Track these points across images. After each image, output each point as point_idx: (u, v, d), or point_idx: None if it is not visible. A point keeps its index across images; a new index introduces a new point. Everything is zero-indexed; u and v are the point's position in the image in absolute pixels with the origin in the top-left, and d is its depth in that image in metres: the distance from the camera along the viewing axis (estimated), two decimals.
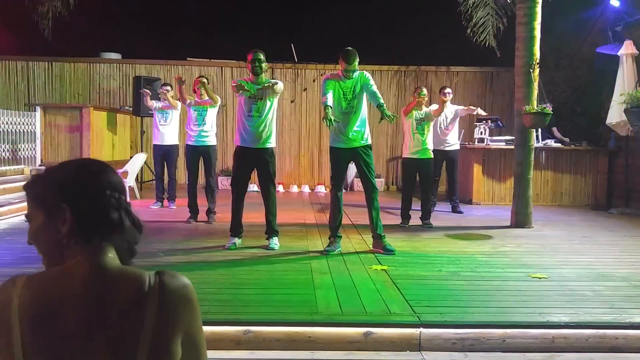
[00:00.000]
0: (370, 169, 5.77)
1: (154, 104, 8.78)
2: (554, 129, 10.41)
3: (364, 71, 5.87)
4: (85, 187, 1.28)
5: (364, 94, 5.75)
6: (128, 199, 1.35)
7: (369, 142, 5.86)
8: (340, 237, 5.94)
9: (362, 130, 5.78)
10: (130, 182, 9.46)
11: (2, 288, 1.22)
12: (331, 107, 5.53)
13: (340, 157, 5.81)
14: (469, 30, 10.22)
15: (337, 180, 5.90)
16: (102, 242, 1.26)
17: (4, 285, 1.22)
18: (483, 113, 9.30)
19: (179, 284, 1.26)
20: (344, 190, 6.04)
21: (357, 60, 5.65)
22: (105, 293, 1.20)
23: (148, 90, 9.14)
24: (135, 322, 1.19)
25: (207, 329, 3.25)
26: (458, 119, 8.79)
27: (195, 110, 7.67)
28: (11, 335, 1.16)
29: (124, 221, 1.29)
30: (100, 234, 1.26)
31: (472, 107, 9.09)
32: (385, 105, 5.68)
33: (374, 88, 5.75)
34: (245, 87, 5.74)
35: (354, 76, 5.71)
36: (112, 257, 1.26)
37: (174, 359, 1.22)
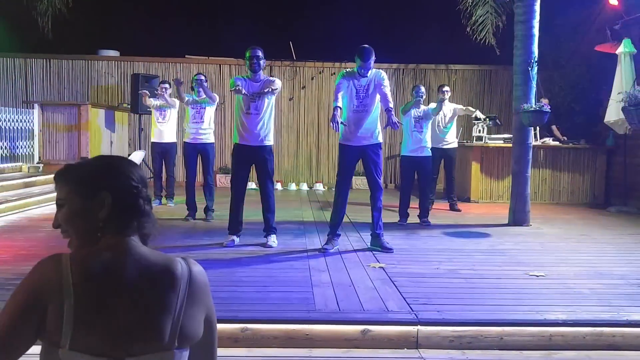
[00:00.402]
0: (377, 169, 5.76)
1: (152, 102, 8.77)
2: (553, 127, 10.42)
3: (380, 70, 5.86)
4: (123, 177, 1.41)
5: (375, 88, 5.74)
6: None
7: (379, 141, 5.84)
8: (339, 235, 5.93)
9: (373, 129, 5.76)
10: None
11: (46, 267, 1.32)
12: (341, 109, 5.52)
13: (349, 154, 5.80)
14: (468, 29, 10.22)
15: (343, 178, 5.87)
16: (135, 227, 1.41)
17: (45, 264, 1.32)
18: (481, 116, 9.29)
19: (201, 269, 1.45)
20: (350, 189, 6.00)
21: (373, 57, 5.64)
22: (143, 270, 1.35)
23: (146, 91, 9.12)
24: (171, 298, 1.34)
25: None
26: (456, 117, 8.79)
27: (193, 108, 7.67)
28: (63, 309, 1.27)
29: (150, 212, 1.45)
30: (136, 219, 1.41)
31: (470, 109, 9.10)
32: (393, 110, 5.68)
33: (387, 90, 5.72)
34: (243, 91, 5.72)
35: (369, 75, 5.71)
36: (138, 241, 1.41)
37: (198, 332, 1.39)
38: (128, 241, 1.38)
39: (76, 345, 1.26)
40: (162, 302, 1.33)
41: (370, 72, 5.70)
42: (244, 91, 5.74)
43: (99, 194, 1.37)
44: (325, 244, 5.80)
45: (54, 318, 1.27)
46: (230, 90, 5.85)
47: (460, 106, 8.99)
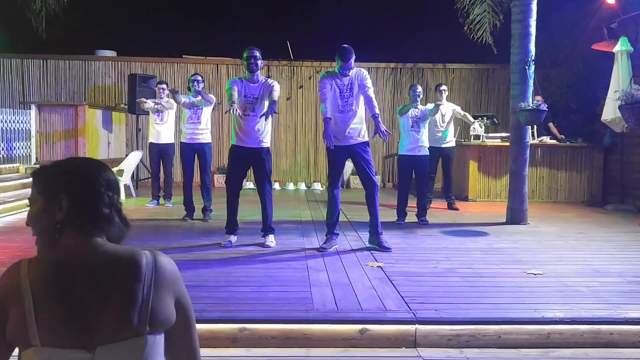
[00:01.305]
0: (369, 166, 5.76)
1: (150, 104, 8.74)
2: (550, 124, 10.44)
3: (361, 69, 5.87)
4: (83, 181, 1.45)
5: (359, 89, 5.74)
6: (122, 199, 1.46)
7: (367, 139, 5.85)
8: (337, 234, 5.94)
9: (359, 127, 5.77)
10: (126, 180, 9.45)
11: (8, 274, 1.38)
12: (330, 119, 5.59)
13: (337, 154, 5.80)
14: (465, 28, 10.23)
15: (334, 178, 5.89)
16: (93, 230, 1.43)
17: (9, 271, 1.39)
18: (479, 129, 9.28)
19: (168, 259, 1.48)
20: (340, 188, 6.02)
21: (353, 57, 5.65)
22: (105, 264, 1.39)
23: (143, 98, 9.05)
24: (136, 288, 1.37)
25: (203, 326, 3.26)
26: (453, 116, 8.81)
27: (190, 109, 7.66)
28: (23, 310, 1.32)
29: (113, 217, 1.46)
30: (90, 224, 1.43)
31: (470, 118, 9.12)
32: (380, 116, 5.69)
33: (371, 92, 5.72)
34: (238, 112, 5.72)
35: (350, 74, 5.71)
36: (102, 240, 1.44)
37: (170, 317, 1.42)
38: (88, 240, 1.41)
39: (46, 341, 1.31)
40: (127, 290, 1.36)
41: (351, 71, 5.71)
42: (239, 112, 5.72)
43: (57, 196, 1.42)
44: (324, 243, 5.81)
45: (18, 320, 1.33)
46: (225, 112, 5.84)
47: (461, 110, 8.98)
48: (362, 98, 5.76)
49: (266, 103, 5.85)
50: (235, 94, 5.75)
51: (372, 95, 5.73)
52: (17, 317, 1.33)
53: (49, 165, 1.51)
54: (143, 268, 1.40)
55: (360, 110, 5.79)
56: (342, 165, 5.95)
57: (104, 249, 1.41)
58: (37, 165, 9.84)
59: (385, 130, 5.56)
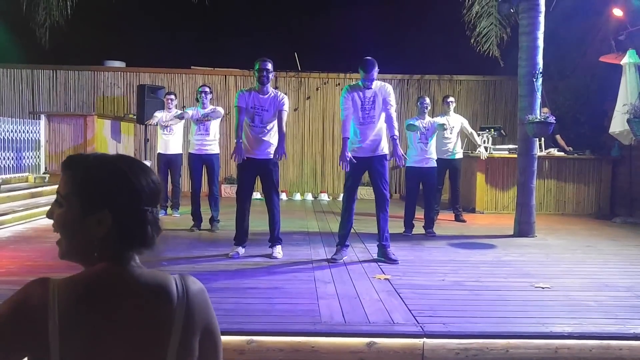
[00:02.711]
0: (383, 179, 5.78)
1: (157, 117, 8.79)
2: (558, 136, 10.42)
3: (386, 84, 5.91)
4: (132, 197, 1.27)
5: (382, 103, 5.77)
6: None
7: (385, 152, 5.87)
8: (348, 245, 5.94)
9: (379, 140, 5.79)
10: None
11: (32, 290, 1.22)
12: (349, 138, 5.65)
13: (356, 165, 5.81)
14: (472, 40, 10.27)
15: (350, 190, 5.90)
16: (133, 255, 1.30)
17: (33, 287, 1.22)
18: (484, 154, 9.24)
19: (200, 287, 1.35)
20: (356, 199, 6.01)
21: (376, 69, 5.69)
22: (137, 298, 1.25)
23: (151, 121, 9.04)
24: (166, 322, 1.25)
25: None
26: (461, 129, 8.82)
27: (197, 120, 7.70)
28: (47, 333, 1.18)
29: (154, 237, 1.32)
30: (134, 249, 1.30)
31: (476, 139, 9.08)
32: (398, 138, 5.76)
33: (392, 111, 5.77)
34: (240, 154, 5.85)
35: (373, 86, 5.74)
36: (137, 267, 1.30)
37: (195, 353, 1.30)
38: (126, 268, 1.28)
39: None
40: (155, 332, 1.25)
41: (374, 83, 5.74)
42: (243, 158, 5.84)
43: (99, 209, 1.24)
44: (335, 254, 5.81)
45: (38, 346, 1.19)
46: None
47: (469, 127, 8.95)
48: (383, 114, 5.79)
49: (274, 115, 5.89)
50: (243, 113, 5.83)
51: (394, 115, 5.78)
52: (37, 341, 1.19)
53: (87, 158, 1.30)
54: (174, 302, 1.27)
55: (381, 123, 5.80)
56: (359, 177, 5.95)
57: (139, 280, 1.28)
58: (47, 175, 9.91)
59: (402, 155, 5.68)
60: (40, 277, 1.25)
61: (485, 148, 10.18)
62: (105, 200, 1.25)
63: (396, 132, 5.74)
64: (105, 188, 1.26)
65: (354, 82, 5.98)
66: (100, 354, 1.21)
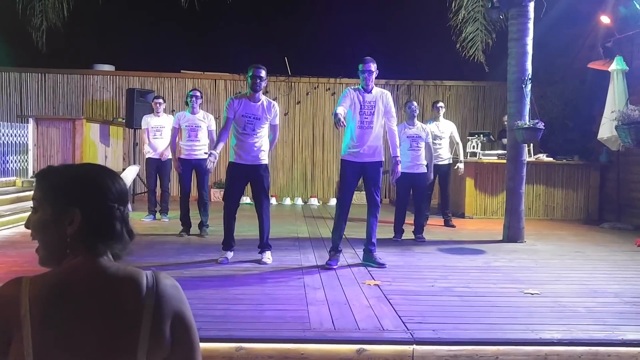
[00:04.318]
0: (376, 186, 5.79)
1: (151, 117, 8.79)
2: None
3: (387, 92, 5.94)
4: (97, 194, 1.37)
5: (382, 114, 5.77)
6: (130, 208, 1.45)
7: (381, 158, 5.87)
8: (341, 250, 5.93)
9: (376, 146, 5.78)
10: None
11: (7, 288, 1.31)
12: (341, 114, 5.46)
13: (350, 170, 5.79)
14: (458, 45, 10.32)
15: (345, 194, 5.88)
16: (103, 248, 1.37)
17: (8, 285, 1.32)
18: (461, 170, 9.18)
19: (172, 281, 1.41)
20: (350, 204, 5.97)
21: (374, 64, 5.72)
22: (108, 289, 1.33)
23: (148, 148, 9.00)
24: (136, 315, 1.31)
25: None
26: (450, 134, 8.85)
27: (188, 126, 7.67)
28: (22, 330, 1.26)
29: (123, 232, 1.41)
30: (102, 243, 1.37)
31: (460, 151, 9.02)
32: (399, 158, 5.84)
33: (394, 124, 5.85)
34: (212, 160, 5.86)
35: (374, 92, 5.75)
36: (108, 259, 1.38)
37: (167, 342, 1.36)
38: (96, 261, 1.35)
39: None
40: (125, 321, 1.31)
41: (375, 89, 5.78)
42: (213, 164, 5.86)
43: (69, 209, 1.34)
44: (330, 260, 5.78)
45: (15, 343, 1.27)
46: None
47: (457, 137, 8.92)
48: (383, 120, 5.80)
49: (266, 121, 5.88)
50: (230, 123, 5.79)
51: (396, 130, 5.86)
52: (16, 340, 1.27)
53: (57, 168, 1.41)
54: (143, 293, 1.34)
55: (379, 129, 5.79)
56: (354, 182, 5.91)
57: (109, 272, 1.35)
58: (34, 179, 9.81)
59: (399, 173, 5.84)
60: (13, 279, 1.33)
61: (475, 154, 10.23)
62: (73, 200, 1.35)
63: (398, 153, 5.82)
64: (72, 189, 1.36)
65: (345, 87, 5.96)
66: (72, 344, 1.27)
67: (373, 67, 5.72)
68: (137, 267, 1.41)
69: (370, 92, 5.74)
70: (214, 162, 5.86)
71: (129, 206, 1.45)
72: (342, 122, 5.37)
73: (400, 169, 5.86)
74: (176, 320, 1.37)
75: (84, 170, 1.42)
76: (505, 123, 10.36)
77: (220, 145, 5.93)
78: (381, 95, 5.78)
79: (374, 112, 5.71)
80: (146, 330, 1.31)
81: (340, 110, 5.44)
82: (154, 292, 1.35)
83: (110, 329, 1.29)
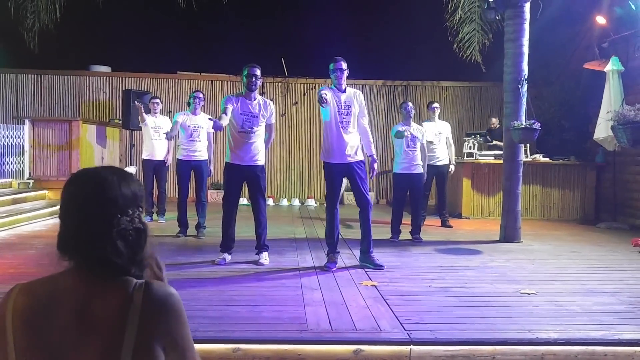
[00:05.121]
0: (364, 184, 5.78)
1: (148, 118, 8.77)
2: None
3: (358, 91, 5.97)
4: (78, 207, 1.34)
5: (358, 113, 5.79)
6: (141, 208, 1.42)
7: (362, 157, 5.88)
8: (338, 252, 5.92)
9: (356, 145, 5.79)
10: None
11: (4, 298, 1.32)
12: (327, 96, 5.56)
13: (334, 172, 5.80)
14: (455, 46, 10.34)
15: (332, 197, 5.87)
16: (83, 262, 1.32)
17: (5, 295, 1.33)
18: (452, 170, 9.18)
19: (164, 293, 1.32)
20: (339, 205, 5.98)
21: (344, 64, 5.72)
22: (90, 299, 1.28)
23: (139, 103, 9.06)
24: (119, 326, 1.26)
25: (195, 346, 3.23)
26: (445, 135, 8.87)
27: (189, 127, 7.66)
28: (6, 340, 1.25)
29: (114, 247, 1.32)
30: (78, 256, 1.32)
31: (452, 154, 9.01)
32: (376, 154, 5.90)
33: (366, 122, 5.87)
34: (225, 119, 5.67)
35: (348, 92, 5.76)
36: (102, 269, 1.32)
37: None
38: (79, 268, 1.32)
39: None
40: (110, 335, 1.26)
41: (349, 90, 5.80)
42: (225, 122, 5.65)
43: (68, 217, 1.34)
44: (328, 262, 5.78)
45: (2, 350, 1.27)
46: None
47: (451, 139, 8.96)
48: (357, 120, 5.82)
49: (262, 121, 5.88)
50: (229, 112, 5.73)
51: (368, 130, 5.89)
52: (1, 347, 1.26)
53: (78, 174, 1.41)
54: (128, 303, 1.28)
55: (356, 128, 5.81)
56: (339, 183, 5.93)
57: (95, 284, 1.30)
58: (31, 181, 9.81)
59: (375, 171, 5.90)
60: (14, 286, 1.34)
61: (472, 154, 10.24)
62: (61, 210, 1.35)
63: (373, 150, 5.86)
64: (63, 197, 1.36)
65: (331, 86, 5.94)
66: (53, 353, 1.24)
67: (344, 65, 5.74)
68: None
69: (344, 92, 5.76)
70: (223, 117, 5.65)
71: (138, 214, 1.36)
72: (327, 102, 5.49)
73: (377, 166, 5.90)
74: (167, 339, 1.31)
75: (78, 180, 1.39)
76: (492, 125, 10.43)
77: (225, 119, 5.68)
78: (355, 95, 5.82)
79: (350, 112, 5.74)
80: (129, 343, 1.25)
81: (327, 92, 5.56)
82: (138, 305, 1.28)
83: (91, 345, 1.25)
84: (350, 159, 5.75)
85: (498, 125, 10.61)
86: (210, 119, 6.22)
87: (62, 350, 1.25)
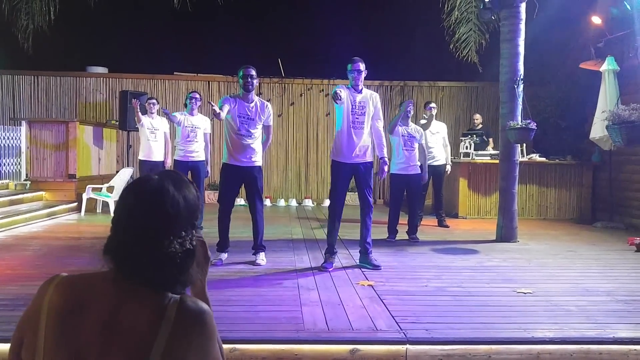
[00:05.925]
0: (368, 186, 5.79)
1: (145, 118, 8.76)
2: (491, 139, 10.53)
3: (375, 92, 5.97)
4: (138, 215, 1.32)
5: (373, 115, 5.79)
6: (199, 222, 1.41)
7: (372, 159, 5.89)
8: (336, 252, 5.94)
9: (367, 146, 5.79)
10: (116, 197, 9.41)
11: (43, 285, 1.32)
12: (342, 93, 5.56)
13: (342, 171, 5.80)
14: (451, 46, 10.37)
15: (337, 195, 5.87)
16: (119, 267, 1.31)
17: (45, 281, 1.33)
18: (449, 170, 9.22)
19: (198, 310, 1.30)
20: (343, 206, 5.96)
21: (361, 64, 5.71)
22: (121, 306, 1.26)
23: (136, 100, 9.03)
24: (148, 337, 1.23)
25: None
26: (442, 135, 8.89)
27: (186, 127, 7.66)
28: (37, 335, 1.26)
29: (154, 261, 1.30)
30: (116, 261, 1.31)
31: (448, 155, 9.09)
32: (387, 158, 5.87)
33: (381, 126, 5.84)
34: (220, 112, 5.66)
35: (364, 92, 5.77)
36: (138, 279, 1.30)
37: None
38: (117, 277, 1.30)
39: None
40: (138, 343, 1.24)
41: (365, 90, 5.79)
42: (217, 111, 5.63)
43: (120, 226, 1.32)
44: (325, 262, 5.79)
45: (32, 343, 1.27)
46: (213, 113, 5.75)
47: (447, 140, 9.05)
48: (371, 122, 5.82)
49: (260, 123, 5.89)
50: (225, 110, 5.75)
51: (382, 133, 5.86)
52: (33, 340, 1.26)
53: (131, 184, 1.42)
54: (161, 316, 1.25)
55: (369, 130, 5.81)
56: (346, 183, 5.90)
57: (128, 291, 1.28)
58: (28, 182, 9.80)
59: (386, 173, 5.86)
60: (52, 276, 1.34)
61: (468, 154, 10.26)
62: (120, 214, 1.34)
63: (385, 153, 5.83)
64: (121, 210, 1.35)
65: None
66: (77, 355, 1.23)
67: (362, 66, 5.73)
68: None
69: (360, 92, 5.76)
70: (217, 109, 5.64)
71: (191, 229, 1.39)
72: (341, 99, 5.48)
73: (387, 168, 5.89)
74: (195, 357, 1.27)
75: (137, 187, 1.40)
76: (476, 121, 10.48)
77: (222, 113, 5.68)
78: (371, 97, 5.80)
79: (364, 112, 5.73)
80: (157, 353, 1.23)
81: (343, 90, 5.55)
82: (170, 324, 1.25)
83: (115, 353, 1.24)
84: (358, 160, 5.75)
85: (481, 125, 10.69)
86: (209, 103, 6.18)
87: (86, 354, 1.23)
